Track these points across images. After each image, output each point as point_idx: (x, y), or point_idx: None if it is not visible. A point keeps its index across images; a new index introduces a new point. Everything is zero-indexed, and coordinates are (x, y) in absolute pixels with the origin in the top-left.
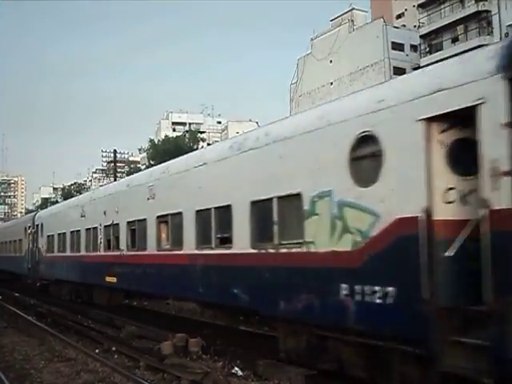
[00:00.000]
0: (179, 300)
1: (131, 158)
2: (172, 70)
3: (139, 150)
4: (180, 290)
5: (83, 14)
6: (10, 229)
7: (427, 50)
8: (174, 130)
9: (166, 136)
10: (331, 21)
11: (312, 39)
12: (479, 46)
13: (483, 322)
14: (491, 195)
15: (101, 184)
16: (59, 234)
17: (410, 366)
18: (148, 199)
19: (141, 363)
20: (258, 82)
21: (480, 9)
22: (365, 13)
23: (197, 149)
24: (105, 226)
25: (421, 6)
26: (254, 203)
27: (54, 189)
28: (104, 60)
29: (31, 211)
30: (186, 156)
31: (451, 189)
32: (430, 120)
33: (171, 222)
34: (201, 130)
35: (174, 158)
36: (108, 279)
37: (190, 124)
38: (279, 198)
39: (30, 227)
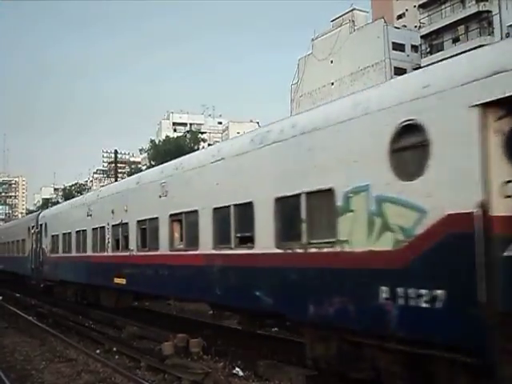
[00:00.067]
0: (195, 302)
1: (132, 159)
2: (173, 71)
3: (140, 150)
4: (195, 293)
5: (84, 15)
6: (12, 229)
7: (428, 50)
8: (174, 131)
9: (166, 136)
10: (332, 21)
11: (313, 39)
12: (480, 47)
13: None
14: None
15: (102, 184)
16: (64, 234)
17: (459, 376)
18: (160, 197)
19: (142, 364)
20: (258, 82)
21: (481, 9)
22: (365, 13)
23: (198, 149)
24: (113, 226)
25: (421, 6)
26: (279, 200)
27: (55, 189)
28: (105, 61)
29: (32, 212)
30: (201, 151)
31: (510, 181)
32: (486, 106)
33: (185, 221)
34: (202, 130)
35: (175, 158)
36: (117, 281)
37: (190, 124)
38: (308, 193)
39: (33, 227)
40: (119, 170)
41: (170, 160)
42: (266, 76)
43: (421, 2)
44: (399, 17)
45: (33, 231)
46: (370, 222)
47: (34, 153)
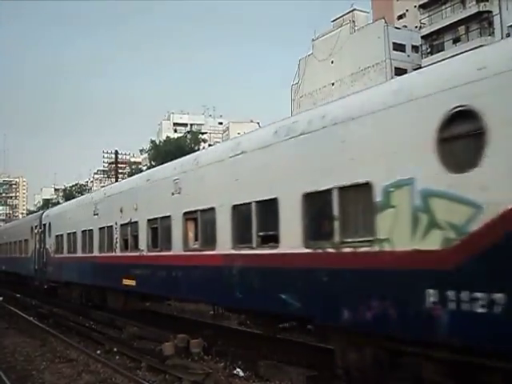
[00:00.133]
0: (213, 305)
1: (132, 159)
2: (173, 71)
3: (140, 150)
4: (212, 295)
5: (86, 15)
6: (14, 229)
7: (428, 50)
8: (175, 131)
9: (167, 137)
10: (332, 21)
11: (313, 40)
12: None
13: None
14: None
15: (102, 185)
16: (69, 234)
17: None
18: (173, 194)
19: (142, 364)
20: (259, 83)
21: (481, 9)
22: (366, 13)
23: (198, 150)
24: (121, 225)
25: (422, 6)
26: (308, 195)
27: (56, 190)
28: (106, 61)
29: (33, 212)
30: (218, 145)
31: None
32: None
33: (201, 219)
34: (202, 130)
35: (175, 158)
36: (125, 282)
37: (191, 125)
38: (341, 188)
39: (36, 227)
40: (120, 171)
41: (171, 160)
42: (267, 76)
43: (421, 3)
44: (400, 17)
45: (36, 231)
46: (414, 219)
47: (34, 153)
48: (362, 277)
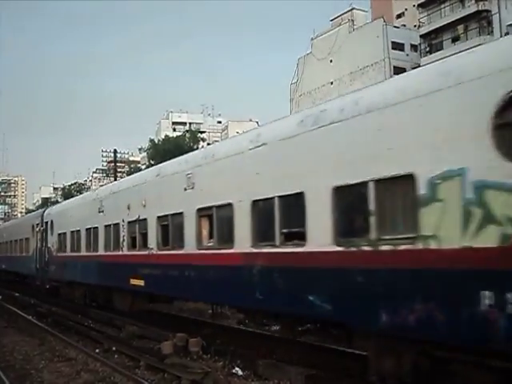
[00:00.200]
0: (231, 308)
1: (131, 158)
2: (172, 70)
3: (139, 149)
4: (229, 296)
5: (84, 14)
6: (15, 227)
7: (427, 49)
8: (174, 130)
9: (166, 136)
10: (331, 20)
11: (312, 39)
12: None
13: None
14: None
15: (101, 184)
16: (72, 232)
17: None
18: (185, 189)
19: (141, 363)
20: (258, 81)
21: (480, 8)
22: (365, 12)
23: (197, 149)
24: (129, 222)
25: (421, 5)
26: (339, 189)
27: (55, 189)
28: (104, 60)
29: (31, 211)
30: (236, 137)
31: None
32: None
33: (217, 216)
34: (201, 129)
35: (174, 157)
36: (133, 282)
37: (190, 124)
38: (378, 181)
39: (38, 225)
40: (118, 170)
41: (169, 159)
42: (266, 75)
43: (420, 2)
44: (398, 16)
45: (37, 229)
46: (465, 214)
47: (33, 152)
48: (404, 277)
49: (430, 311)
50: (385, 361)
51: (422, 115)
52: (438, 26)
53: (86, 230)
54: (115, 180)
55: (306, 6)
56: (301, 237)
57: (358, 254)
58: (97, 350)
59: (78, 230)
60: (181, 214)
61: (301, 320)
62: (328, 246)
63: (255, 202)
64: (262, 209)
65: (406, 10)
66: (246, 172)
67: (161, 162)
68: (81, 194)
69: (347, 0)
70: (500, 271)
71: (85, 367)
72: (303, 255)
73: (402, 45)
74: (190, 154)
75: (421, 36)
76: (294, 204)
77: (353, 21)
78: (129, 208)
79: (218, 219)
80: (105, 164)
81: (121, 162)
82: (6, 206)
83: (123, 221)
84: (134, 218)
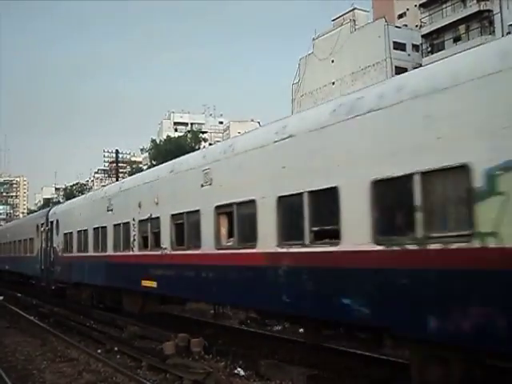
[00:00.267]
0: (255, 311)
1: (133, 158)
2: (174, 71)
3: (141, 150)
4: (251, 299)
5: (85, 15)
6: (19, 227)
7: (429, 49)
8: (175, 130)
9: (167, 136)
10: (333, 20)
11: (314, 39)
12: None
13: None
14: None
15: (103, 184)
16: (79, 232)
17: None
18: (202, 186)
19: (143, 363)
20: (259, 82)
21: (482, 8)
22: (366, 12)
23: (199, 149)
24: (140, 221)
25: (422, 5)
26: (379, 183)
27: (56, 189)
28: (106, 61)
29: (33, 211)
30: (258, 129)
31: None
32: None
33: (237, 213)
34: (203, 130)
35: (176, 158)
36: (145, 283)
37: (191, 124)
38: (425, 173)
39: (42, 225)
40: (120, 170)
41: (171, 160)
42: (267, 76)
43: (421, 2)
44: (400, 16)
45: (42, 229)
46: None
47: (35, 153)
48: (456, 279)
49: (488, 317)
50: (431, 370)
51: (479, 99)
52: (439, 25)
53: (94, 229)
54: (117, 180)
55: (308, 6)
56: (334, 235)
57: (401, 253)
58: (99, 351)
59: (85, 230)
60: (197, 211)
61: (326, 324)
62: (366, 245)
63: (281, 198)
64: (288, 205)
65: (407, 9)
66: (270, 166)
67: (162, 163)
68: (83, 194)
69: (349, 0)
70: None
71: (87, 367)
72: (337, 255)
73: (404, 45)
74: (208, 148)
75: (422, 36)
76: (326, 199)
77: (354, 21)
78: (140, 206)
79: (239, 217)
80: (107, 164)
81: (123, 162)
82: (8, 207)
83: (134, 219)
84: (145, 217)
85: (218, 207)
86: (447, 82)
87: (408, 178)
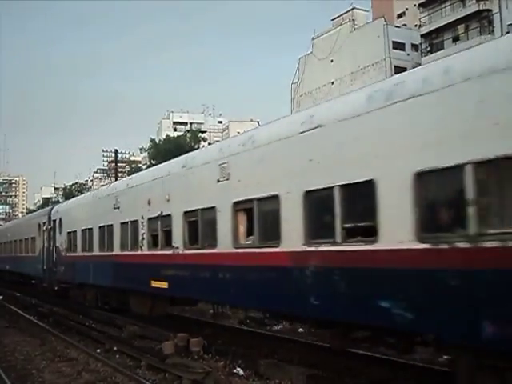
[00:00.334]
0: (274, 316)
1: (132, 158)
2: (173, 70)
3: (140, 149)
4: (274, 301)
5: (85, 15)
6: (20, 226)
7: (428, 49)
8: (175, 130)
9: (167, 136)
10: (332, 20)
11: (313, 38)
12: None
13: None
14: None
15: (102, 184)
16: (83, 231)
17: None
18: (218, 181)
19: (142, 363)
20: (258, 81)
21: (481, 8)
22: (366, 12)
23: (198, 148)
24: (149, 219)
25: (422, 5)
26: (423, 175)
27: (56, 189)
28: (106, 60)
29: (33, 211)
30: (281, 120)
31: None
32: None
33: (258, 210)
34: (202, 129)
35: (175, 157)
36: (155, 284)
37: (191, 124)
38: (479, 164)
39: (45, 223)
40: (119, 170)
41: (170, 159)
42: (266, 75)
43: (421, 1)
44: (399, 16)
45: (44, 228)
46: None
47: (34, 152)
48: None
49: None
50: (482, 379)
51: None
52: (438, 25)
53: (100, 228)
54: (116, 180)
55: (307, 5)
56: (370, 232)
57: (450, 252)
58: (98, 350)
59: (90, 229)
60: (213, 208)
61: (352, 328)
62: (408, 243)
63: (308, 193)
64: (317, 200)
65: (406, 9)
66: (295, 159)
67: (161, 162)
68: (82, 194)
69: (348, 0)
70: None
71: (86, 367)
72: (374, 254)
73: (403, 44)
74: (224, 141)
75: (422, 36)
76: (361, 194)
77: (354, 20)
78: (149, 203)
79: (260, 214)
80: (106, 164)
81: (122, 161)
82: (7, 206)
83: (142, 217)
84: (155, 215)
85: (236, 203)
86: (505, 63)
87: (458, 169)
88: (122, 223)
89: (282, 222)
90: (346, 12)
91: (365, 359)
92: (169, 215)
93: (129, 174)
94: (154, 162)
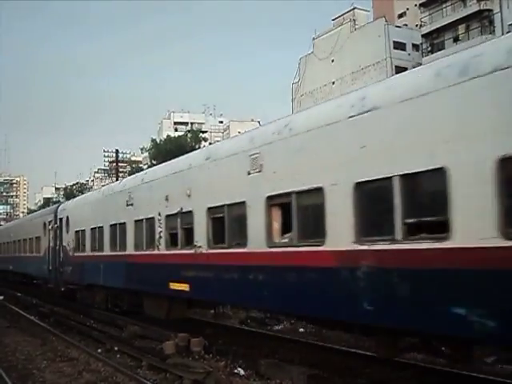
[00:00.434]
0: (315, 322)
1: (133, 158)
2: (174, 70)
3: (141, 149)
4: (319, 306)
5: (87, 13)
6: (24, 225)
7: (429, 49)
8: (175, 130)
9: (167, 136)
10: (333, 20)
11: (314, 38)
12: None
13: None
14: None
15: (103, 184)
16: (93, 229)
17: None
18: (249, 174)
19: (143, 363)
20: (259, 81)
21: (482, 8)
22: (366, 12)
23: (199, 148)
24: (167, 216)
25: (422, 5)
26: (507, 161)
27: (56, 189)
28: (106, 60)
29: (33, 211)
30: (324, 104)
31: None
32: None
33: (297, 204)
34: (203, 129)
35: (176, 157)
36: (174, 286)
37: (191, 124)
38: None
39: (50, 222)
40: (120, 170)
41: (171, 159)
42: (267, 75)
43: (422, 1)
44: (400, 16)
45: (50, 227)
46: None
47: (35, 152)
48: None
49: None
50: None
51: None
52: (439, 25)
53: (111, 226)
54: (117, 180)
55: (308, 5)
56: (439, 228)
57: None
58: (99, 350)
59: (101, 227)
60: (242, 203)
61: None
62: (489, 240)
63: (360, 185)
64: (370, 193)
65: (407, 9)
66: (344, 147)
67: (162, 162)
68: (83, 193)
69: (349, 0)
70: None
71: (87, 367)
72: (445, 253)
73: (404, 44)
74: (254, 130)
75: (422, 35)
76: (428, 184)
77: (354, 20)
78: (167, 199)
79: (299, 209)
80: (107, 164)
81: (123, 161)
82: (8, 206)
83: (159, 214)
84: (174, 211)
85: (269, 198)
86: None
87: None
88: (136, 221)
89: (326, 218)
90: (347, 12)
91: (365, 359)
92: (190, 212)
93: (129, 174)
94: (154, 162)
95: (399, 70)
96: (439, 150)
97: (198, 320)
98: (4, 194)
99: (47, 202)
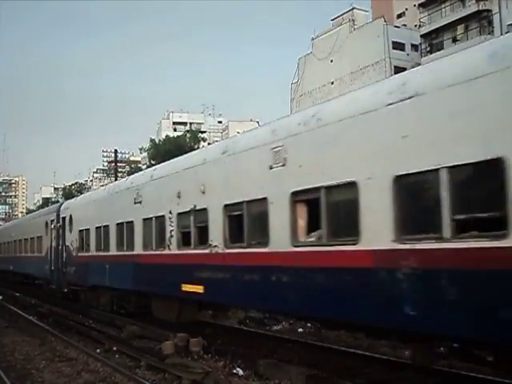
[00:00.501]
0: (347, 328)
1: (132, 158)
2: (173, 70)
3: (140, 149)
4: (353, 310)
5: (84, 12)
6: (25, 225)
7: (428, 49)
8: (174, 130)
9: (166, 136)
10: (332, 20)
11: (313, 38)
12: None
13: None
14: None
15: (102, 184)
16: (98, 228)
17: None
18: (271, 168)
19: (142, 363)
20: (258, 81)
21: (481, 8)
22: (365, 12)
23: (198, 148)
24: (179, 214)
25: (421, 5)
26: None
27: (55, 189)
28: (105, 59)
29: (32, 211)
30: (357, 92)
31: None
32: None
33: (327, 200)
34: (202, 129)
35: (175, 157)
36: (187, 288)
37: (190, 124)
38: None
39: (53, 221)
40: (119, 170)
41: (170, 159)
42: (266, 75)
43: (420, 2)
44: (399, 16)
45: (52, 226)
46: None
47: (33, 152)
48: None
49: None
50: None
51: None
52: (438, 25)
53: (117, 225)
54: (116, 180)
55: (307, 5)
56: (495, 225)
57: None
58: (97, 350)
59: (106, 226)
60: (263, 200)
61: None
62: None
63: (400, 178)
64: (413, 186)
65: (406, 9)
66: (381, 137)
67: (161, 163)
68: (81, 194)
69: (348, 0)
70: None
71: (85, 367)
72: (505, 252)
73: (403, 44)
74: (274, 122)
75: (421, 36)
76: (482, 177)
77: (353, 20)
78: (179, 196)
79: (329, 205)
80: (106, 164)
81: (121, 162)
82: (7, 207)
83: (171, 212)
84: (187, 209)
85: (294, 193)
86: None
87: None
88: (144, 219)
89: (361, 215)
90: (346, 12)
91: (365, 359)
92: (204, 209)
93: (128, 174)
94: (153, 162)
95: (398, 70)
96: (496, 139)
97: (196, 320)
98: (3, 194)
99: (46, 202)
